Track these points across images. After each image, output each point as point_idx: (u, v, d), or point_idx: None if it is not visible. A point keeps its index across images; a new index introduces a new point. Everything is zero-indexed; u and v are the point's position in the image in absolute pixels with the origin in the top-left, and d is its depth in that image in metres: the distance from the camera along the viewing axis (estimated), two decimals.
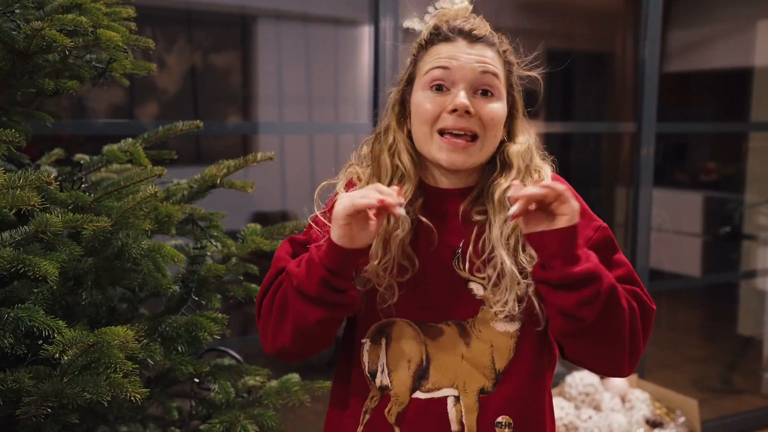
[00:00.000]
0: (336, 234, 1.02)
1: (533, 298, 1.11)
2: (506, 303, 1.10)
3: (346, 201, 1.00)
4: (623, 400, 2.94)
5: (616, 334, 1.04)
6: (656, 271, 4.93)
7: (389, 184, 1.14)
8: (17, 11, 1.28)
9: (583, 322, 1.01)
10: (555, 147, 5.89)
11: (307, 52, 4.24)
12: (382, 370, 1.15)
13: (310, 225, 1.21)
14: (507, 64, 1.16)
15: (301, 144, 4.18)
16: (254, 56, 4.29)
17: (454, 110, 1.08)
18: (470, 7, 1.18)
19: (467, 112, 1.08)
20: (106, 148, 1.57)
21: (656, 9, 3.08)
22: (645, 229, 3.19)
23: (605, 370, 1.14)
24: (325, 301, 1.05)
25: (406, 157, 1.15)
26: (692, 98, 5.87)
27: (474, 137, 1.10)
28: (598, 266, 1.01)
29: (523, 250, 1.11)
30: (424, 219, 1.14)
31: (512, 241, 1.11)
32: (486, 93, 1.11)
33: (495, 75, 1.11)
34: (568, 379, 2.92)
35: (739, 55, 4.79)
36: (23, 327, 1.14)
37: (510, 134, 1.17)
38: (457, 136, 1.10)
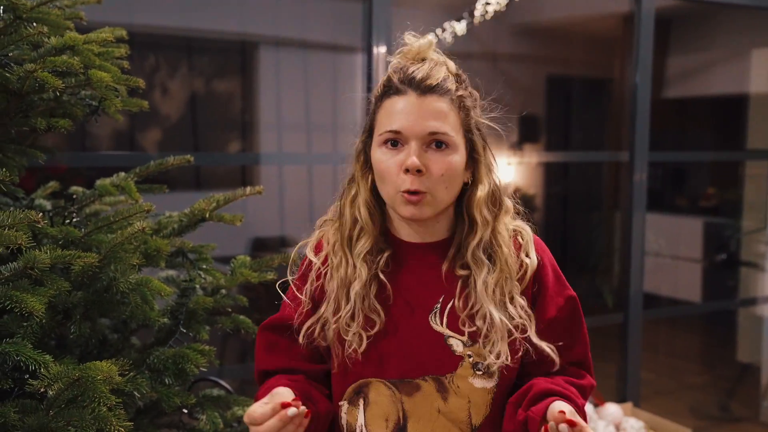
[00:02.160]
0: None
1: (536, 342, 1.14)
2: (499, 355, 1.12)
3: None
4: (617, 428, 2.94)
5: None
6: (654, 296, 4.93)
7: (350, 236, 1.18)
8: (10, 54, 1.32)
9: None
10: (556, 172, 5.89)
11: (307, 78, 4.31)
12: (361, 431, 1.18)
13: (284, 301, 1.25)
14: (462, 110, 1.15)
15: (299, 172, 4.23)
16: (255, 82, 4.36)
17: (407, 170, 1.10)
18: (434, 41, 1.18)
19: (419, 170, 1.10)
20: (98, 182, 1.61)
21: (647, 35, 3.11)
22: (638, 253, 3.21)
23: None
24: None
25: (364, 210, 1.17)
26: (691, 123, 5.91)
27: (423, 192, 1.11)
28: None
29: (511, 301, 1.13)
30: (381, 276, 1.16)
31: (498, 293, 1.13)
32: (440, 145, 1.12)
33: (445, 133, 1.11)
34: None
35: (736, 82, 4.83)
36: (10, 361, 1.16)
37: (474, 176, 1.17)
38: (411, 193, 1.11)
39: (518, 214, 1.23)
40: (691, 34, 5.12)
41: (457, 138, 1.13)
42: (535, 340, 1.14)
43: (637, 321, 3.23)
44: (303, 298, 1.21)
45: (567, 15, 5.06)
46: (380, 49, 2.55)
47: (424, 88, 1.11)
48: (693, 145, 5.70)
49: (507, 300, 1.13)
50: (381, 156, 1.14)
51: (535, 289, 1.18)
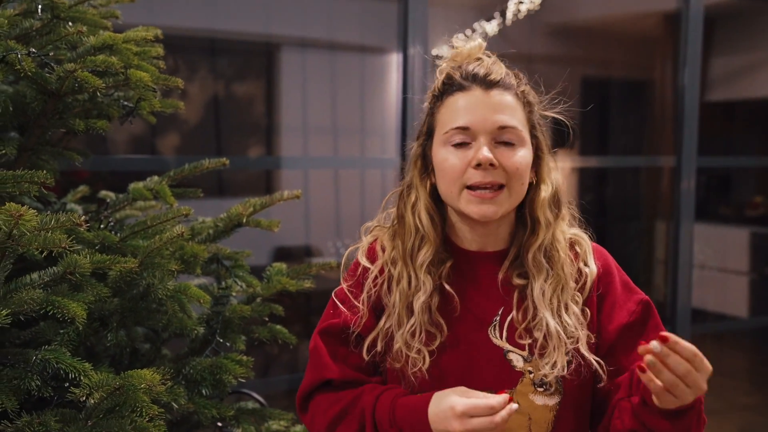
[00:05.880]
0: None
1: (585, 355, 1.13)
2: (555, 365, 1.12)
3: None
4: None
5: None
6: (700, 311, 4.88)
7: (413, 245, 1.17)
8: (51, 53, 1.35)
9: None
10: (592, 180, 5.85)
11: (333, 81, 4.33)
12: None
13: (334, 304, 1.23)
14: (527, 105, 1.17)
15: (325, 177, 4.25)
16: (278, 85, 4.39)
17: (479, 164, 1.10)
18: (484, 45, 1.20)
19: (491, 164, 1.10)
20: (131, 186, 1.63)
21: (696, 34, 3.10)
22: (686, 266, 3.19)
23: None
24: None
25: (425, 217, 1.17)
26: (736, 128, 5.86)
27: (501, 186, 1.12)
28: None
29: (566, 311, 1.13)
30: (447, 287, 1.16)
31: (555, 302, 1.13)
32: (509, 143, 1.12)
33: (514, 127, 1.12)
34: None
35: None
36: (50, 369, 1.18)
37: (537, 176, 1.18)
38: (484, 189, 1.11)
39: (574, 221, 1.23)
40: (737, 33, 5.09)
41: (525, 133, 1.14)
42: (584, 352, 1.13)
43: (686, 338, 3.19)
44: (361, 306, 1.20)
45: (603, 14, 5.05)
46: (416, 50, 2.57)
47: (488, 83, 1.13)
48: (739, 151, 5.65)
49: (562, 309, 1.14)
50: (446, 154, 1.14)
51: (599, 297, 1.18)
